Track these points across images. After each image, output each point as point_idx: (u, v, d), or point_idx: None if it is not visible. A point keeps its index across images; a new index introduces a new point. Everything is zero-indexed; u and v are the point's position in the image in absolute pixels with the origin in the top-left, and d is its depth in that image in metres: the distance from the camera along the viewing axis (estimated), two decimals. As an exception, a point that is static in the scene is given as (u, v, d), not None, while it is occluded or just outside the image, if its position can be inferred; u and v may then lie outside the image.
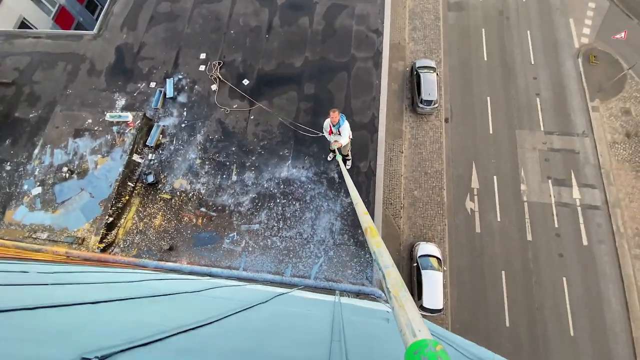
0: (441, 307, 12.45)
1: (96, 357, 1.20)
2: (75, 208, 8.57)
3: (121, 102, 10.42)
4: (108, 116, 9.46)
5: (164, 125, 9.96)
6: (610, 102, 16.71)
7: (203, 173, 9.39)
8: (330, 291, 7.48)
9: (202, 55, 10.95)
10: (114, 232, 8.68)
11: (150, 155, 9.60)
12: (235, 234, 8.68)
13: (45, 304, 1.93)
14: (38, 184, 8.87)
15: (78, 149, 9.24)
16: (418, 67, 16.67)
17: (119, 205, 8.82)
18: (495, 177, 15.55)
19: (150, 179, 9.12)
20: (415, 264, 13.29)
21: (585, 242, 14.35)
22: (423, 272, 12.86)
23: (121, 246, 8.68)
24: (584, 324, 13.16)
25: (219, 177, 9.32)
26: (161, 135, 9.83)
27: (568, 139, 16.15)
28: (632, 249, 14.19)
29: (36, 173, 8.99)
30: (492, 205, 15.08)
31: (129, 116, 9.42)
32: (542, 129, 16.38)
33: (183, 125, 10.01)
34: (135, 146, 9.28)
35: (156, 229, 8.84)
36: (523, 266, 14.06)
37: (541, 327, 13.18)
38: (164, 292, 3.37)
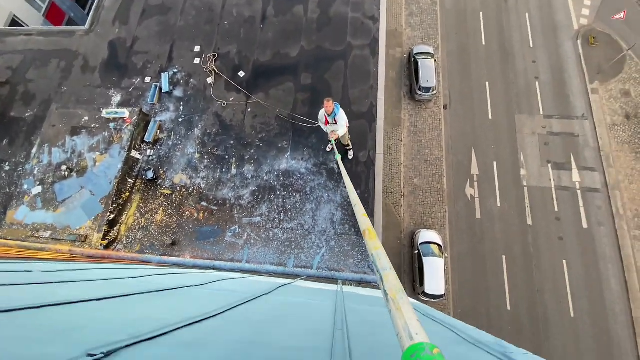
0: (443, 292, 12.59)
1: (102, 353, 1.21)
2: (76, 206, 8.59)
3: (117, 98, 10.33)
4: (104, 113, 9.40)
5: (161, 121, 9.90)
6: (610, 83, 16.54)
7: (202, 167, 9.38)
8: (332, 280, 7.56)
9: (197, 48, 10.80)
10: (116, 228, 8.73)
11: (148, 151, 9.58)
12: (237, 227, 8.73)
13: (49, 302, 1.95)
14: (38, 183, 8.88)
15: (76, 146, 9.21)
16: (416, 53, 16.41)
17: (120, 202, 8.84)
18: (495, 163, 15.52)
19: (150, 174, 9.12)
20: (417, 252, 13.39)
21: (585, 225, 14.41)
22: (424, 259, 12.96)
23: (124, 242, 8.74)
24: (584, 305, 13.33)
25: (218, 171, 9.32)
26: (159, 131, 9.79)
27: (567, 123, 16.05)
28: (632, 230, 14.26)
29: (35, 172, 8.99)
30: (492, 191, 15.09)
31: (125, 112, 9.36)
32: (541, 113, 16.25)
33: (180, 119, 9.95)
34: (133, 142, 9.25)
35: (158, 225, 8.89)
36: (523, 250, 14.16)
37: (542, 309, 13.35)
38: (167, 287, 3.40)
